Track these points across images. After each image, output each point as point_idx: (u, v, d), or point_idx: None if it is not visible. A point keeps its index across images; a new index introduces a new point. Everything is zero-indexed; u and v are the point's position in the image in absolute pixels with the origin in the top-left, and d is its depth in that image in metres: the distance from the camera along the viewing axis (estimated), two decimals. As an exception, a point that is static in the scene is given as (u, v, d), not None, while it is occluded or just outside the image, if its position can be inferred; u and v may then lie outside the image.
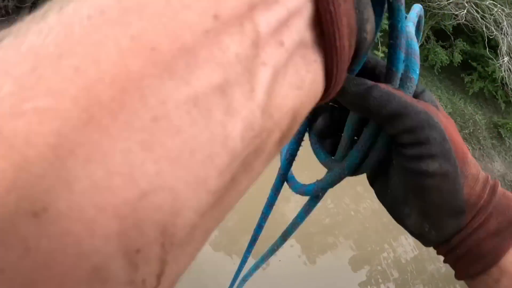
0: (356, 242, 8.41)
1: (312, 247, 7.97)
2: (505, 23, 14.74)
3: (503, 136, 18.21)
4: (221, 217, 0.14)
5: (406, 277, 8.27)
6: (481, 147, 17.03)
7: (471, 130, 16.52)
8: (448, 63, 16.45)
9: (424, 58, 16.61)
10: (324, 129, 0.34)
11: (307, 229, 7.73)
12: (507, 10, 14.30)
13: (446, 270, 8.75)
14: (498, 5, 14.58)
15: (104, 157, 0.09)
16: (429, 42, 17.10)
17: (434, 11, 15.17)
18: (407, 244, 9.14)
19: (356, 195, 9.70)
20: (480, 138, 17.11)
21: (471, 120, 16.60)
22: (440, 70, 16.63)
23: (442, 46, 16.68)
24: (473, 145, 16.59)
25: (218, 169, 0.12)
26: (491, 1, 14.75)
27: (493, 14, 14.64)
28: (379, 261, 8.00)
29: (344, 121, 0.31)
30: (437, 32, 17.17)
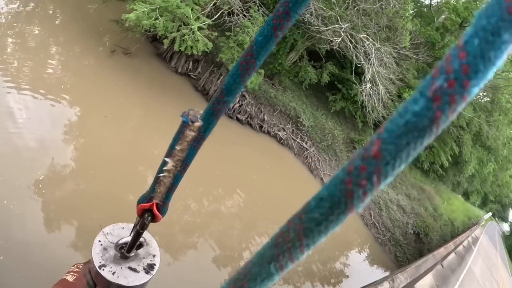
0: (218, 242, 11.18)
1: (175, 247, 10.10)
2: (373, 56, 19.24)
3: (357, 149, 23.56)
4: None
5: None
6: (337, 158, 22.12)
7: (330, 143, 21.25)
8: (316, 81, 20.83)
9: (295, 74, 20.40)
10: None
11: (170, 230, 9.77)
12: (377, 45, 18.68)
13: (307, 266, 12.15)
14: (371, 39, 18.94)
15: None
16: (302, 61, 20.95)
17: (312, 33, 18.73)
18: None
19: (216, 196, 12.23)
20: (337, 150, 22.13)
21: (330, 134, 21.28)
22: (308, 87, 20.94)
23: (313, 66, 20.84)
24: (330, 156, 21.52)
25: None
26: (365, 35, 19.09)
27: (364, 46, 18.91)
28: (242, 259, 11.00)
29: None
30: (311, 53, 21.32)
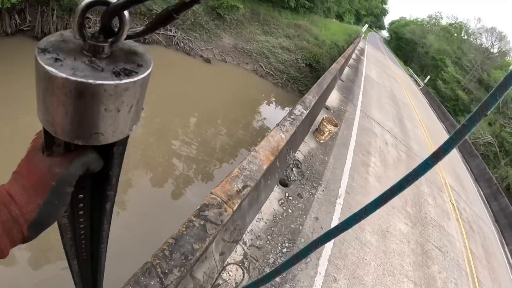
0: (146, 165, 10.81)
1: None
2: None
3: (222, 15, 23.98)
4: None
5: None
6: (207, 31, 22.16)
7: (193, 20, 21.10)
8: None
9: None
10: None
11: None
12: None
13: (232, 136, 12.50)
14: None
15: None
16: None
17: None
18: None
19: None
20: (203, 23, 22.12)
21: (189, 13, 20.91)
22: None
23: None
24: (199, 31, 21.46)
25: None
26: None
27: None
28: (173, 167, 10.88)
29: None
30: None
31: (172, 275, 2.88)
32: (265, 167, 4.87)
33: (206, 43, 20.58)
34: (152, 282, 2.74)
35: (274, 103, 20.64)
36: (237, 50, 22.39)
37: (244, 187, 4.23)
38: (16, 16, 13.50)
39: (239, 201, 3.98)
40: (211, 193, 3.91)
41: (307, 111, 7.91)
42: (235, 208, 3.86)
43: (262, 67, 22.74)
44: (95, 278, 1.31)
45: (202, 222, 3.44)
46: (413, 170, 0.97)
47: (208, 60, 20.31)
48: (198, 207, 3.66)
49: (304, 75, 24.13)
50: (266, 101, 20.35)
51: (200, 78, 18.06)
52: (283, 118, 7.25)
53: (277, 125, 6.73)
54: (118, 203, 8.39)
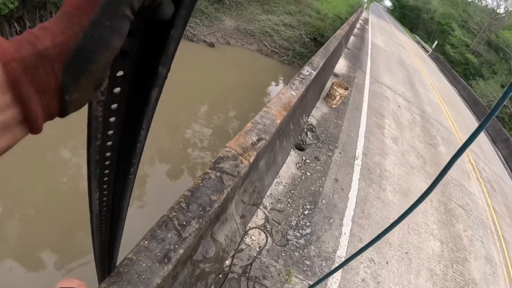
0: (161, 154, 10.62)
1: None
2: None
3: (222, -2, 22.74)
4: None
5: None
6: (207, 15, 21.82)
7: (191, 2, 20.67)
8: None
9: None
10: None
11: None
12: None
13: (244, 116, 12.28)
14: None
15: None
16: None
17: None
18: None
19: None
20: (203, 8, 21.76)
21: None
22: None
23: None
24: (199, 17, 21.15)
25: None
26: None
27: None
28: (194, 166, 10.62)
29: None
30: None
31: (190, 227, 2.72)
32: (278, 122, 4.67)
33: (208, 28, 20.34)
34: (169, 235, 2.59)
35: (282, 81, 20.34)
36: (240, 31, 22.10)
37: (258, 140, 4.05)
38: (16, 24, 13.30)
39: (254, 153, 3.80)
40: (226, 146, 3.73)
41: (316, 72, 7.68)
42: (251, 160, 3.68)
43: (266, 46, 22.45)
44: (115, 227, 1.21)
45: (218, 174, 3.27)
46: (501, 98, 1.07)
47: (211, 45, 20.10)
48: (213, 160, 3.49)
49: (309, 50, 23.77)
50: (274, 80, 20.09)
51: (205, 63, 17.89)
52: (292, 78, 7.05)
53: (287, 84, 6.53)
54: (135, 196, 8.17)
